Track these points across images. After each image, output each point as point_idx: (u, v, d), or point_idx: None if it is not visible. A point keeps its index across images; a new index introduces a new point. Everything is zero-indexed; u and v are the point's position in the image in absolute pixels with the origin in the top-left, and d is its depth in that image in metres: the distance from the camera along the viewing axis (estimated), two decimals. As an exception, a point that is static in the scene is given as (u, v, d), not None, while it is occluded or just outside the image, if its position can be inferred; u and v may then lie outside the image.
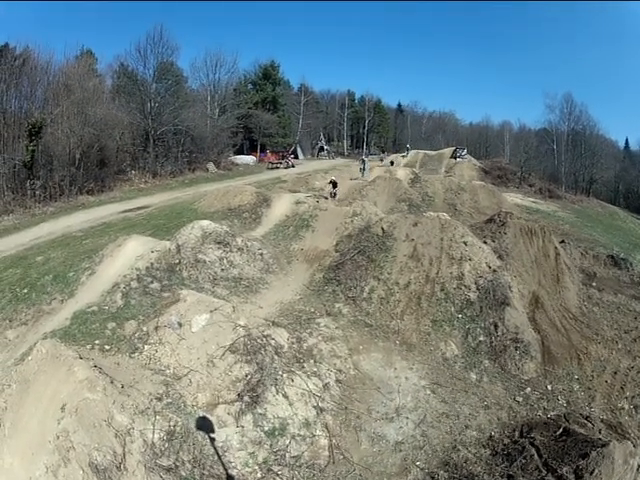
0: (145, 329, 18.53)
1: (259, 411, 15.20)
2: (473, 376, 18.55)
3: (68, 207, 46.09)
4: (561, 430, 14.73)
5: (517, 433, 15.46)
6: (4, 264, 27.88)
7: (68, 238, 33.06)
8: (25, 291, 23.06)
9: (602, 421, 16.50)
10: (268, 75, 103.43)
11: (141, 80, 69.24)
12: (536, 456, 13.75)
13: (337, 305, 22.23)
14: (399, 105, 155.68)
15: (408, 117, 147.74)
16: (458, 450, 14.87)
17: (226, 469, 13.64)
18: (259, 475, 13.73)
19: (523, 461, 13.72)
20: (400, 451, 14.92)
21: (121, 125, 59.73)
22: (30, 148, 45.90)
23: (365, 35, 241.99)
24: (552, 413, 16.89)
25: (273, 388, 15.86)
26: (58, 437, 12.97)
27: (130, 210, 42.54)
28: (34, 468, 12.64)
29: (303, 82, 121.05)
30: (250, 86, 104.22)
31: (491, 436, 15.62)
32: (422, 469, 14.27)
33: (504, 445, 14.90)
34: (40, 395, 14.23)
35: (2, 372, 16.91)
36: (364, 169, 60.17)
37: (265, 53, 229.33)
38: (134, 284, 22.18)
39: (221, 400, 15.60)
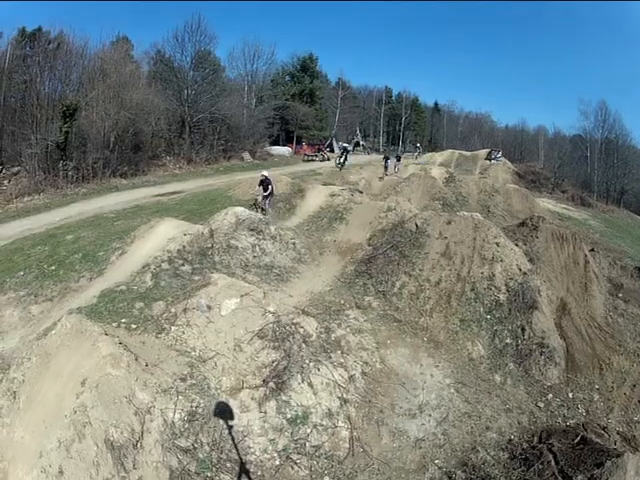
0: (173, 310, 18.47)
1: (283, 398, 15.08)
2: (497, 378, 18.27)
3: (100, 189, 46.70)
4: (579, 438, 14.52)
5: (536, 438, 15.24)
6: (32, 241, 28.23)
7: (99, 219, 33.41)
8: (53, 268, 23.21)
9: (618, 433, 16.37)
10: (306, 68, 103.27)
11: (178, 67, 70.06)
12: (553, 462, 13.55)
13: (367, 298, 21.95)
14: (436, 104, 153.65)
15: (444, 116, 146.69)
16: (477, 451, 14.68)
17: (245, 454, 13.55)
18: (277, 462, 13.62)
19: (540, 467, 13.51)
20: (420, 448, 14.74)
21: (157, 111, 60.21)
22: (64, 129, 46.51)
23: (405, 35, 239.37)
24: (571, 421, 16.66)
25: (299, 376, 15.71)
26: (75, 412, 12.89)
27: (164, 194, 42.89)
28: (46, 442, 12.57)
29: (341, 76, 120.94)
30: (288, 78, 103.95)
31: (510, 440, 15.40)
32: (440, 468, 14.09)
33: (522, 449, 14.69)
34: (60, 369, 14.21)
35: (23, 346, 17.13)
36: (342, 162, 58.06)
37: (303, 46, 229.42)
38: (165, 266, 22.24)
39: (245, 385, 15.50)
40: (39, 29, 56.14)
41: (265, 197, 32.00)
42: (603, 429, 16.05)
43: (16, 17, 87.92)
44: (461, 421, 15.84)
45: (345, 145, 59.97)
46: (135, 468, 12.31)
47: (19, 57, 53.16)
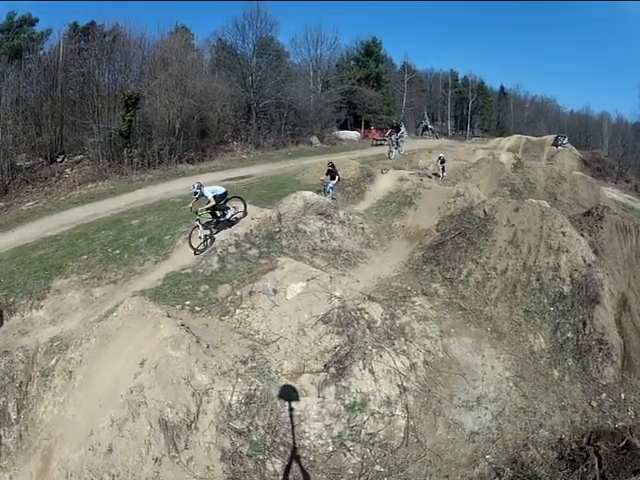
0: (239, 293, 18.61)
1: (343, 384, 15.02)
2: (556, 373, 17.81)
3: (167, 174, 47.26)
4: (624, 442, 14.29)
5: (585, 439, 14.94)
6: (97, 226, 28.62)
7: (166, 204, 33.71)
8: (117, 252, 23.50)
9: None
10: (370, 52, 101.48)
11: (241, 55, 70.43)
12: (597, 466, 13.34)
13: (433, 285, 21.60)
14: (502, 88, 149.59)
15: (511, 101, 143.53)
16: (528, 449, 14.46)
17: (299, 439, 13.60)
18: (331, 448, 13.66)
19: (584, 469, 13.32)
20: (473, 442, 14.61)
21: (222, 97, 60.35)
22: (127, 118, 47.51)
23: (472, 17, 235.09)
24: (620, 423, 16.13)
25: (361, 362, 15.61)
26: (131, 391, 13.15)
27: (232, 179, 42.69)
28: (98, 421, 12.86)
29: (406, 60, 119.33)
30: (352, 62, 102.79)
31: (561, 439, 15.11)
32: (490, 463, 13.96)
33: (571, 450, 14.43)
34: (120, 350, 14.48)
35: (83, 327, 17.34)
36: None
37: (366, 30, 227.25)
38: (232, 249, 22.37)
39: (306, 369, 15.53)
40: (92, 23, 57.28)
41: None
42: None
43: (66, 14, 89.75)
44: (516, 416, 15.62)
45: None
46: (187, 448, 12.59)
47: (74, 51, 54.24)
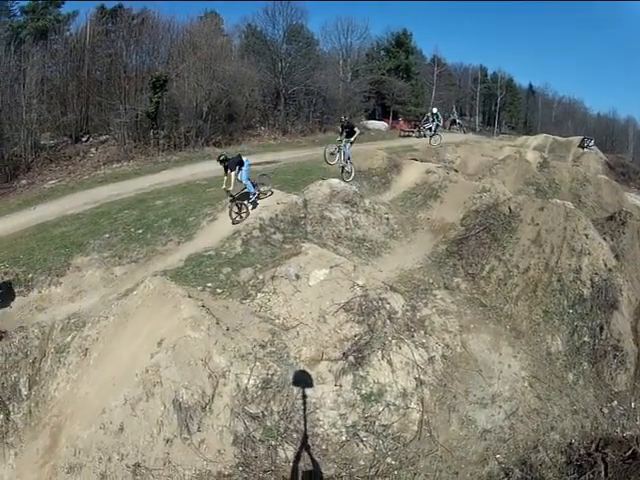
0: (261, 277, 18.69)
1: (360, 373, 14.97)
2: (570, 377, 17.66)
3: (193, 157, 47.31)
4: (630, 452, 14.19)
5: (594, 446, 14.87)
6: (120, 205, 28.70)
7: (191, 185, 33.75)
8: (140, 231, 23.56)
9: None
10: (401, 43, 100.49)
11: (270, 41, 70.80)
12: (603, 474, 13.42)
13: (455, 280, 21.54)
14: (530, 86, 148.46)
15: (539, 99, 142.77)
16: (538, 451, 14.38)
17: (313, 426, 13.63)
18: (344, 438, 13.66)
19: (591, 476, 13.38)
20: (485, 440, 14.54)
21: (251, 82, 60.52)
22: (154, 100, 47.71)
23: (503, 15, 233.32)
24: (628, 432, 16.01)
25: (379, 352, 15.54)
26: (147, 371, 13.24)
27: (258, 164, 42.30)
28: (111, 399, 12.98)
29: (436, 53, 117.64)
30: (383, 53, 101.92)
31: (571, 443, 15.02)
32: (500, 463, 13.89)
33: (579, 455, 14.36)
34: (138, 329, 14.56)
35: (102, 305, 17.44)
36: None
37: (397, 21, 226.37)
38: (256, 233, 22.30)
39: (325, 357, 15.49)
40: (120, 6, 58.16)
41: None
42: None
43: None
44: (529, 417, 15.53)
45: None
46: (199, 431, 12.69)
47: (101, 33, 55.22)
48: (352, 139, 29.87)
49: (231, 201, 22.73)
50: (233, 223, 22.28)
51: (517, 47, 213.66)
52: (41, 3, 56.86)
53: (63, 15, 58.30)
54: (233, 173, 22.37)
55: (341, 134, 30.33)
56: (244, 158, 23.45)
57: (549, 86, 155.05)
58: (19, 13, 57.71)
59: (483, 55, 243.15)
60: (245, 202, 22.91)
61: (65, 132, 48.36)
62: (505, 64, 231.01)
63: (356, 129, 30.61)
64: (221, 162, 22.66)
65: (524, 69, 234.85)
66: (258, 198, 24.03)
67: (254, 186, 23.66)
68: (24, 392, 14.37)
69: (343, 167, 29.55)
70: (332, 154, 29.61)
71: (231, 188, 22.37)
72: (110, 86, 50.60)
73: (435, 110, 48.64)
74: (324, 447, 13.31)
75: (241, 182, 22.96)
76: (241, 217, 22.68)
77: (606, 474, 13.25)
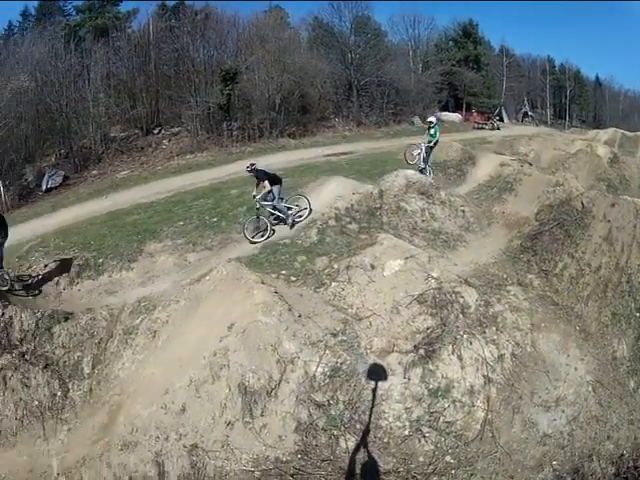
0: (336, 266, 18.56)
1: (430, 367, 14.60)
2: (632, 384, 16.58)
3: (267, 148, 47.99)
4: None
5: None
6: (195, 195, 29.32)
7: (266, 175, 33.67)
8: (215, 220, 23.97)
9: None
10: (468, 33, 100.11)
11: (338, 33, 71.43)
12: None
13: (529, 276, 20.90)
14: (597, 78, 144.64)
15: (606, 92, 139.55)
16: (592, 460, 13.77)
17: (377, 418, 13.39)
18: (407, 432, 13.34)
19: None
20: (544, 445, 13.93)
21: (322, 74, 61.18)
22: (225, 92, 48.86)
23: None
24: None
25: (450, 347, 15.14)
26: (215, 354, 13.27)
27: (333, 155, 43.12)
28: (176, 380, 13.08)
29: (503, 43, 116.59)
30: (451, 43, 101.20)
31: (622, 454, 14.28)
32: (555, 470, 13.36)
33: (627, 468, 13.73)
34: (209, 313, 14.64)
35: (174, 289, 17.57)
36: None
37: (462, 11, 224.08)
38: (331, 222, 22.34)
39: (396, 349, 15.16)
40: (181, 3, 61.19)
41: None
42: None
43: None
44: (588, 424, 14.80)
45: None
46: (262, 415, 12.62)
47: (164, 29, 57.19)
48: (432, 143, 29.38)
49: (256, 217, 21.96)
50: (250, 243, 21.40)
51: (583, 35, 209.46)
52: (98, 2, 59.66)
53: (123, 13, 61.42)
54: (264, 183, 21.84)
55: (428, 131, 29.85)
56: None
57: (615, 78, 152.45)
58: (74, 12, 61.00)
59: (543, 44, 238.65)
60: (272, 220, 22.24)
61: (136, 125, 50.24)
62: (571, 54, 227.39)
63: (438, 134, 29.78)
64: (249, 171, 22.13)
65: (589, 58, 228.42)
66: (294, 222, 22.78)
67: (287, 209, 22.75)
68: (86, 371, 14.79)
69: (422, 170, 29.07)
70: (412, 154, 29.40)
71: (258, 197, 21.83)
72: (179, 80, 52.37)
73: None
74: (386, 440, 13.09)
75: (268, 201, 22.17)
76: (262, 236, 21.69)
77: (652, 489, 12.89)
